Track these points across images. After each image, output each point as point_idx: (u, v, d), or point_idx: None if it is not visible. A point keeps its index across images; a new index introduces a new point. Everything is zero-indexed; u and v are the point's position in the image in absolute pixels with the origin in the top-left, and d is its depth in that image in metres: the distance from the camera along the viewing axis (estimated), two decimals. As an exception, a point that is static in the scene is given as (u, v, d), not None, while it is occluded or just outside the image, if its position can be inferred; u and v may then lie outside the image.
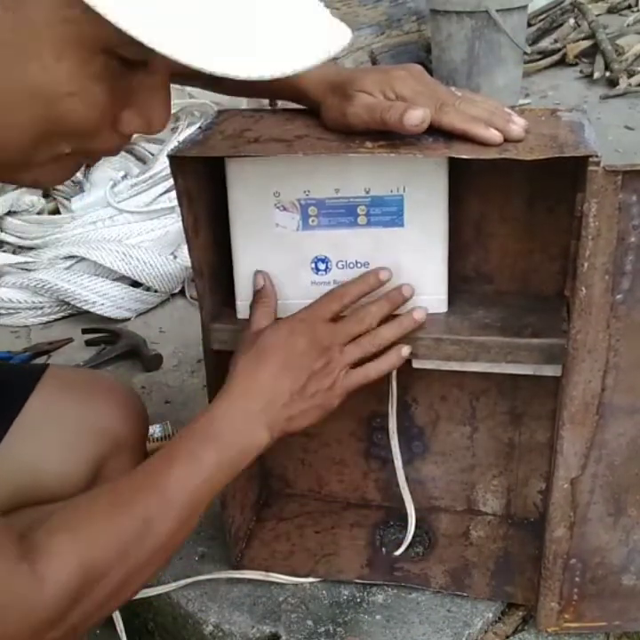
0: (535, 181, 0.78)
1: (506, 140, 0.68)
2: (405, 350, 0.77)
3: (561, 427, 0.73)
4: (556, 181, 0.77)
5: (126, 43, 0.48)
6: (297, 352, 0.72)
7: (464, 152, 0.67)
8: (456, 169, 0.77)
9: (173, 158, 0.70)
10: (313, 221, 0.77)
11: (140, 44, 0.47)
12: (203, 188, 0.76)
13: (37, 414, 0.88)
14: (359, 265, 0.79)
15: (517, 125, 0.69)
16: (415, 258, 0.78)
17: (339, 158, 0.73)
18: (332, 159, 0.73)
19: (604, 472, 0.74)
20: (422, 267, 0.78)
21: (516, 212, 0.80)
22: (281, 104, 0.86)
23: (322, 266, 0.79)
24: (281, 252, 0.78)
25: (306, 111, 0.79)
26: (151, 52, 0.48)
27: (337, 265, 0.79)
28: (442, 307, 0.81)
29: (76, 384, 0.95)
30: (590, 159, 0.63)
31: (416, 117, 0.66)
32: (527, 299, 0.82)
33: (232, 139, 0.73)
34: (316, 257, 0.79)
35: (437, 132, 0.69)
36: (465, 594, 0.87)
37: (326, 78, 0.76)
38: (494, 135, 0.68)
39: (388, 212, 0.76)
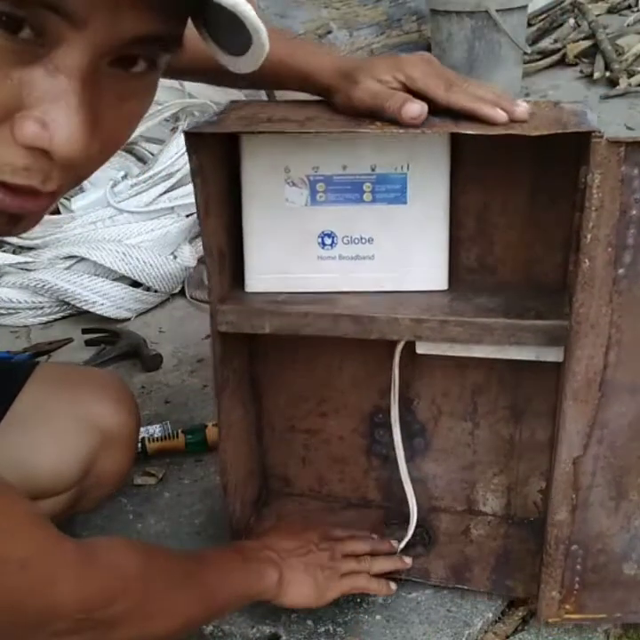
0: (537, 174, 0.80)
1: (511, 121, 0.70)
2: (393, 586, 0.88)
3: (564, 402, 0.74)
4: (558, 174, 0.79)
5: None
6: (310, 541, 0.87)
7: (470, 129, 0.68)
8: (461, 161, 0.79)
9: (189, 135, 0.72)
10: (321, 197, 0.80)
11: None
12: (215, 169, 0.78)
13: (27, 410, 0.88)
14: (364, 240, 0.81)
15: (522, 107, 0.71)
16: (417, 234, 0.80)
17: (347, 137, 0.77)
18: (340, 138, 0.77)
19: (606, 453, 0.75)
20: (423, 243, 0.81)
21: (519, 204, 0.81)
22: (279, 97, 0.88)
23: (328, 241, 0.81)
24: (290, 226, 0.81)
25: (316, 101, 0.82)
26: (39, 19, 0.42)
27: (343, 240, 0.81)
28: (442, 283, 0.82)
29: (65, 379, 0.95)
30: (593, 134, 0.64)
31: (414, 110, 0.69)
32: (529, 289, 0.83)
33: (246, 119, 0.75)
34: (323, 232, 0.81)
35: (445, 113, 0.71)
36: (465, 587, 0.87)
37: (337, 66, 0.79)
38: (500, 114, 0.70)
39: (392, 190, 0.79)
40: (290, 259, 0.82)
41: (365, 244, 0.81)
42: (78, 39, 0.44)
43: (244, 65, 0.51)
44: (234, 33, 0.48)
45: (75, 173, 0.50)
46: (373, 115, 0.72)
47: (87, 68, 0.45)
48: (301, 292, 0.82)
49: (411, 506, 0.93)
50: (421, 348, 0.83)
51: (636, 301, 0.69)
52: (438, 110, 0.71)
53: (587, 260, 0.68)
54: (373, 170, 0.79)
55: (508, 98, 0.73)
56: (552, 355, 0.78)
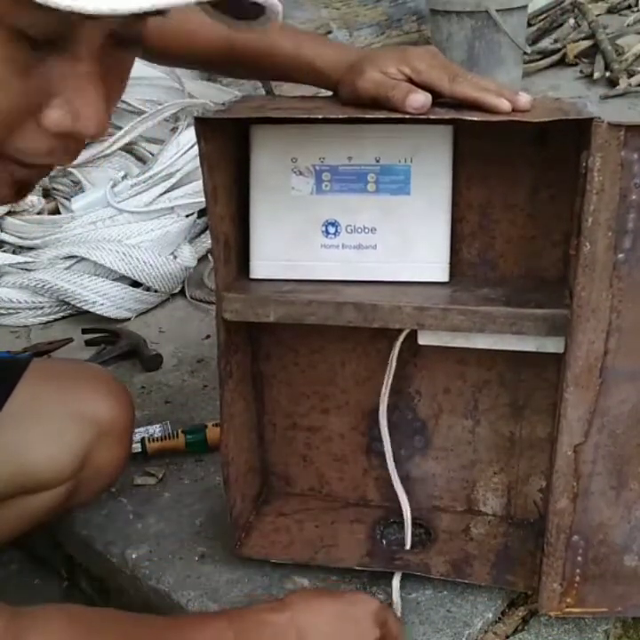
0: (538, 171, 0.81)
1: (514, 110, 0.72)
2: None
3: (565, 389, 0.74)
4: (558, 170, 0.80)
5: (28, 18, 0.45)
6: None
7: (474, 116, 0.69)
8: (464, 158, 0.81)
9: (199, 120, 0.73)
10: (326, 186, 0.82)
11: (44, 22, 0.45)
12: (223, 157, 0.79)
13: (23, 405, 0.89)
14: (367, 230, 0.82)
15: (525, 98, 0.73)
16: (419, 225, 0.82)
17: (353, 128, 0.79)
18: (346, 129, 0.79)
19: (606, 442, 0.75)
20: (426, 234, 0.82)
21: (520, 200, 0.83)
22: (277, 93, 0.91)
23: (332, 229, 0.83)
24: (295, 214, 0.82)
25: (322, 96, 0.85)
26: (58, 28, 0.46)
27: (346, 229, 0.82)
28: (443, 275, 0.83)
29: (60, 374, 0.96)
30: (595, 120, 0.65)
31: (417, 101, 0.70)
32: (530, 283, 0.84)
33: (255, 108, 0.78)
34: (327, 220, 0.82)
35: (449, 104, 0.73)
36: (466, 581, 0.87)
37: (343, 58, 0.81)
38: (504, 103, 0.71)
39: (395, 181, 0.81)
40: (294, 246, 0.83)
41: (368, 233, 0.82)
42: (92, 28, 0.48)
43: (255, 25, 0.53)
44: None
45: (85, 144, 0.56)
46: (378, 104, 0.73)
47: (99, 52, 0.49)
48: (305, 279, 0.84)
49: (402, 504, 0.93)
50: (423, 339, 0.84)
51: (636, 287, 0.69)
52: (442, 102, 0.72)
53: (588, 244, 0.68)
54: (378, 161, 0.81)
55: (511, 89, 0.74)
56: (552, 345, 0.79)
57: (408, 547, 0.92)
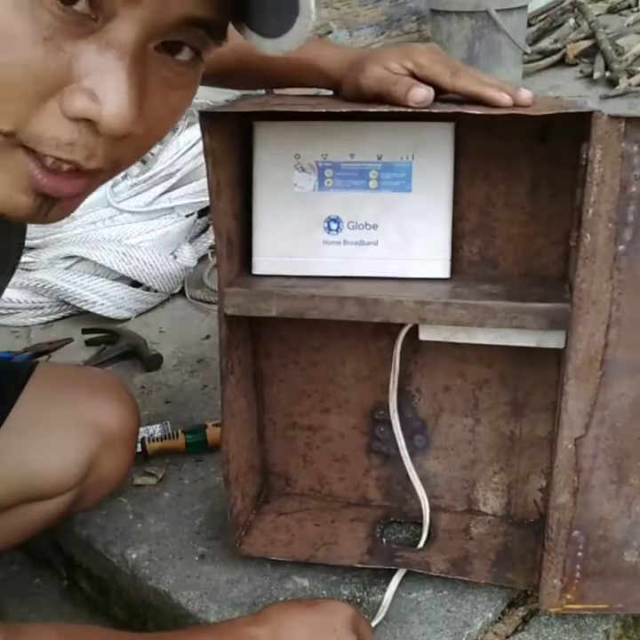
0: (538, 169, 0.81)
1: (514, 105, 0.72)
2: None
3: (566, 382, 0.74)
4: (559, 169, 0.80)
5: None
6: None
7: (475, 110, 0.70)
8: (464, 155, 0.82)
9: (204, 114, 0.74)
10: (328, 183, 0.82)
11: None
12: (227, 152, 0.80)
13: (29, 411, 0.88)
14: (368, 226, 0.83)
15: (525, 93, 0.73)
16: (420, 221, 0.82)
17: (355, 126, 0.81)
18: (348, 126, 0.81)
19: (607, 435, 0.75)
20: (426, 230, 0.83)
21: (521, 198, 0.83)
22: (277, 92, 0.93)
23: (334, 226, 0.83)
24: (297, 210, 0.83)
25: (325, 95, 0.86)
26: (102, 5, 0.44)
27: (348, 225, 0.83)
28: (444, 271, 0.84)
29: (66, 380, 0.95)
30: (595, 112, 0.66)
31: (420, 95, 0.70)
32: (530, 280, 0.84)
33: (259, 104, 0.79)
34: (329, 217, 0.83)
35: (451, 99, 0.73)
36: (466, 578, 0.87)
37: (345, 57, 0.81)
38: (505, 97, 0.71)
39: (397, 178, 0.82)
40: (296, 242, 0.84)
41: (370, 229, 0.83)
42: (131, 15, 0.46)
43: (284, 44, 0.51)
44: (274, 15, 0.50)
45: (116, 156, 0.51)
46: (380, 100, 0.74)
47: (137, 45, 0.47)
48: (307, 276, 0.84)
49: (421, 498, 0.93)
50: (424, 334, 0.84)
51: (635, 279, 0.70)
52: (444, 98, 0.73)
53: (588, 235, 0.68)
54: (379, 158, 0.81)
55: (513, 85, 0.74)
56: (553, 341, 0.79)
57: (422, 545, 0.92)
